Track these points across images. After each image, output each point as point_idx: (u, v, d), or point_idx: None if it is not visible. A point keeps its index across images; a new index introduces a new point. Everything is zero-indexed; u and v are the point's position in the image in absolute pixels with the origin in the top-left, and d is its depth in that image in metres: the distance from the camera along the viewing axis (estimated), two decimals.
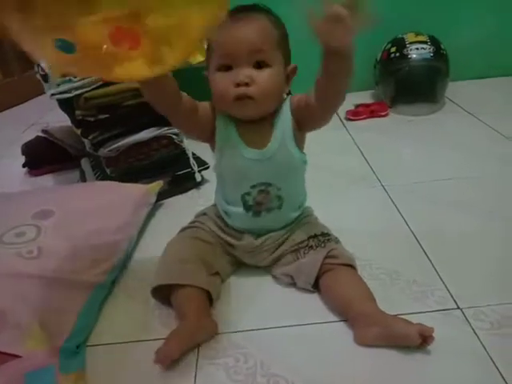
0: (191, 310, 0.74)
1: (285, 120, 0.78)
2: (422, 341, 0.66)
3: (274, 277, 0.86)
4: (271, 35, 0.73)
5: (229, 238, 0.86)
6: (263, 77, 0.72)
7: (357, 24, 0.59)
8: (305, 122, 0.78)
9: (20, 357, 0.65)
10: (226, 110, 0.77)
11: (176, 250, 0.84)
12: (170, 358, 0.68)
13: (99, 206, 0.96)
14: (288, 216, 0.85)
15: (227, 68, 0.72)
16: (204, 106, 0.79)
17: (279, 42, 0.74)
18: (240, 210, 0.82)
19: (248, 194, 0.81)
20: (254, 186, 0.80)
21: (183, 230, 0.89)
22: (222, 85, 0.72)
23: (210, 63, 0.76)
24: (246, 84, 0.71)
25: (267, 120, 0.78)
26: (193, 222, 0.90)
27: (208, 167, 1.22)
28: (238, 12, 0.74)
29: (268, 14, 0.75)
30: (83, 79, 1.05)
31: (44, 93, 1.17)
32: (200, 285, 0.77)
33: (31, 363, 0.64)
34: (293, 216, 0.86)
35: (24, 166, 1.44)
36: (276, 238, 0.85)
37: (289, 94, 0.82)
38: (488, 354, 0.68)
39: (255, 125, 0.78)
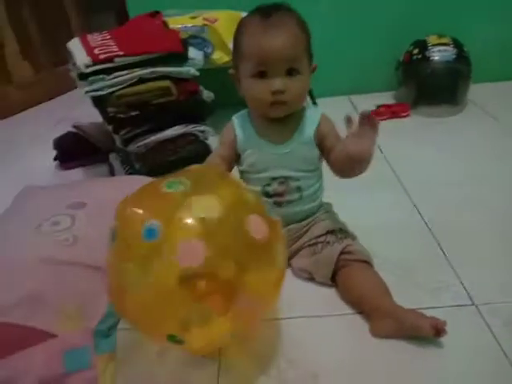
0: None
1: (309, 127, 0.85)
2: (434, 333, 0.69)
3: (293, 270, 0.89)
4: (301, 42, 0.79)
5: None
6: (296, 85, 0.79)
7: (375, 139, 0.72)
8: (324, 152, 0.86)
9: (56, 336, 0.70)
10: (261, 112, 0.84)
11: None
12: None
13: None
14: (307, 207, 0.89)
15: (261, 74, 0.78)
16: (225, 143, 0.88)
17: (307, 47, 0.80)
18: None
19: (268, 184, 0.86)
20: (274, 179, 0.85)
21: None
22: (258, 92, 0.79)
23: (240, 65, 0.81)
24: (281, 91, 0.77)
25: (291, 120, 0.85)
26: None
27: None
28: (267, 15, 0.78)
29: (296, 17, 0.80)
30: (115, 78, 1.10)
31: (73, 88, 1.21)
32: None
33: (69, 343, 0.69)
34: (311, 207, 0.90)
35: (55, 159, 1.50)
36: (295, 230, 0.89)
37: None
38: (502, 349, 0.70)
39: (277, 124, 0.84)
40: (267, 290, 0.64)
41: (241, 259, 0.58)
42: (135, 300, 0.60)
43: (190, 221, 0.57)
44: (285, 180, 0.85)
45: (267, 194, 0.86)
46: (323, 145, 0.85)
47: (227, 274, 0.57)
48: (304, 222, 0.90)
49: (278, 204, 0.87)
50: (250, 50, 0.78)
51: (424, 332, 0.69)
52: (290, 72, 0.78)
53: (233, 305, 0.58)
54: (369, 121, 0.71)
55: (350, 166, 0.77)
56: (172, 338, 0.61)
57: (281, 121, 0.84)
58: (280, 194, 0.86)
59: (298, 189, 0.86)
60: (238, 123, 0.88)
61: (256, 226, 0.60)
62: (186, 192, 0.61)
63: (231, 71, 0.85)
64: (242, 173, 0.90)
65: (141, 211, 0.60)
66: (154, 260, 0.56)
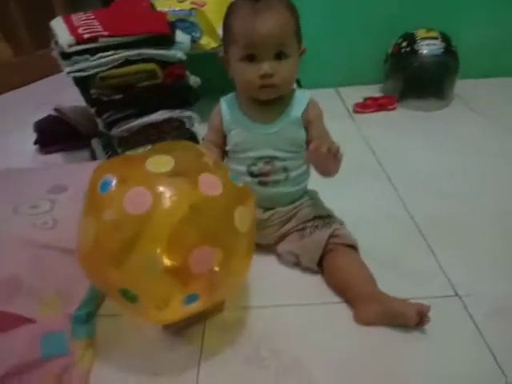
0: None
1: (297, 108, 0.85)
2: (418, 321, 0.69)
3: (279, 256, 0.89)
4: (290, 26, 0.78)
5: None
6: (284, 68, 0.78)
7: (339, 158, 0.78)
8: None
9: (35, 321, 0.68)
10: (250, 94, 0.83)
11: None
12: (177, 325, 0.72)
13: None
14: (293, 189, 0.89)
15: (250, 57, 0.77)
16: (214, 127, 0.88)
17: (296, 30, 0.80)
18: (247, 178, 0.86)
19: (254, 164, 0.86)
20: (260, 158, 0.85)
21: None
22: (247, 76, 0.79)
23: (230, 48, 0.80)
24: (270, 75, 0.77)
25: (279, 102, 0.84)
26: None
27: None
28: None
29: (285, 1, 0.79)
30: (100, 58, 1.07)
31: (56, 73, 1.17)
32: None
33: (46, 328, 0.67)
34: (297, 190, 0.90)
35: (35, 143, 1.46)
36: (282, 213, 0.89)
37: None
38: (484, 339, 0.70)
39: (265, 106, 0.84)
40: (236, 258, 0.65)
41: (191, 211, 0.59)
42: (90, 250, 0.63)
43: (141, 174, 0.62)
44: (270, 160, 0.85)
45: (252, 174, 0.86)
46: (307, 131, 0.85)
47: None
48: (291, 206, 0.89)
49: (263, 184, 0.87)
50: (240, 33, 0.77)
51: (409, 319, 0.69)
52: (279, 56, 0.78)
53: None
54: (335, 156, 0.76)
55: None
56: (125, 293, 0.61)
57: (269, 103, 0.83)
58: (265, 174, 0.86)
59: (285, 169, 0.86)
60: (225, 105, 0.88)
61: (208, 184, 0.62)
62: (146, 154, 0.65)
63: (221, 54, 0.85)
64: (227, 153, 0.90)
65: (103, 171, 0.66)
66: (106, 210, 0.61)
